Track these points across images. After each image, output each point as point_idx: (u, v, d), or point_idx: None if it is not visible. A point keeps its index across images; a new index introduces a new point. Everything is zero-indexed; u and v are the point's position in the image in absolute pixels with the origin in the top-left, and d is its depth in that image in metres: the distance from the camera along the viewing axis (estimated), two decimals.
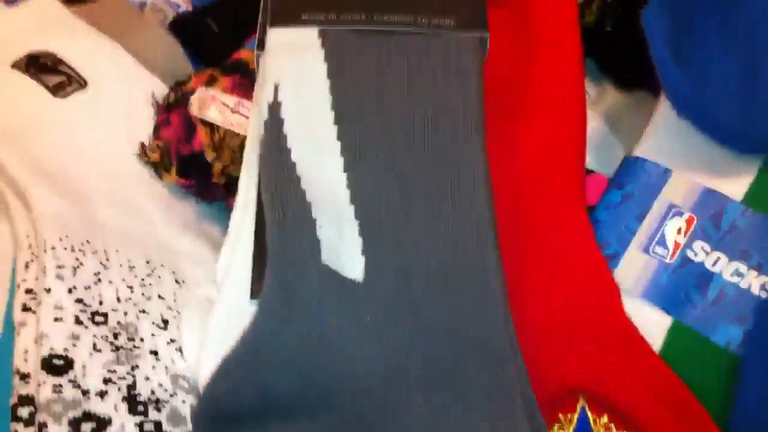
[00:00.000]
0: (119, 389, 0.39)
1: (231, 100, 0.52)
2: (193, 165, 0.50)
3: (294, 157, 0.43)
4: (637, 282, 0.44)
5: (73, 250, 0.43)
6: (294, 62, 0.46)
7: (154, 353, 0.42)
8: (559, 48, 0.51)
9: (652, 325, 0.43)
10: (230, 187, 0.50)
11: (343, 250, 0.41)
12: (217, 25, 0.65)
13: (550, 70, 0.51)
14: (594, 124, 0.54)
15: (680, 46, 0.44)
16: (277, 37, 0.47)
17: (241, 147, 0.49)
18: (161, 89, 0.54)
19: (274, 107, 0.44)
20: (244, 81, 0.52)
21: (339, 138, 0.44)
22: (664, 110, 0.46)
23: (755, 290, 0.43)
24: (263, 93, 0.45)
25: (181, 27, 0.63)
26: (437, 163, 0.44)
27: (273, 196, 0.42)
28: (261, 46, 0.48)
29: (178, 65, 0.58)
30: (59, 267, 0.42)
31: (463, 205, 0.43)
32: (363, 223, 0.42)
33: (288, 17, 0.48)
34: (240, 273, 0.43)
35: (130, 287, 0.44)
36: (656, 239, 0.45)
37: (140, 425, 0.38)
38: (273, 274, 0.40)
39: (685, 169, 0.45)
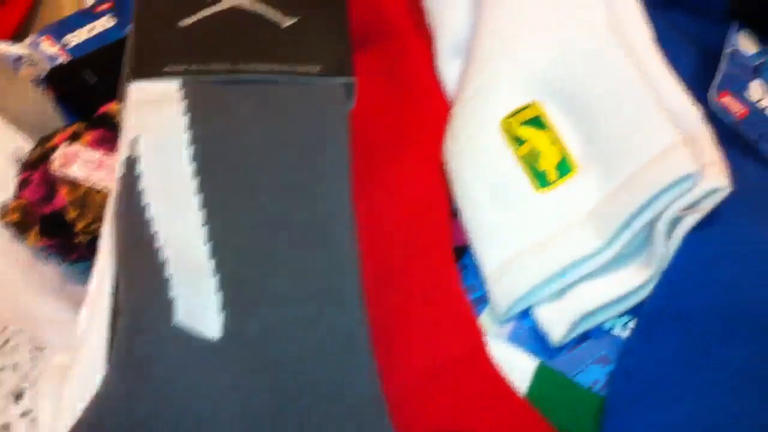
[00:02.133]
0: None
1: (95, 155, 0.50)
2: (55, 224, 0.48)
3: (150, 213, 0.42)
4: (504, 326, 0.44)
5: None
6: (153, 116, 0.45)
7: (5, 428, 0.40)
8: (431, 94, 0.52)
9: (519, 368, 0.43)
10: (95, 246, 0.49)
11: (201, 308, 0.40)
12: (94, 77, 0.64)
13: (422, 117, 0.51)
14: None
15: None
16: (137, 90, 0.46)
17: (106, 204, 0.47)
18: (28, 146, 0.53)
19: (131, 162, 0.43)
20: (110, 135, 0.51)
21: (199, 191, 0.43)
22: None
23: (617, 331, 0.43)
24: (120, 148, 0.44)
25: (56, 80, 0.61)
26: (302, 214, 0.44)
27: (124, 255, 0.41)
28: (123, 99, 0.47)
29: (47, 121, 0.57)
30: None
31: (328, 256, 0.43)
32: (223, 278, 0.41)
33: (149, 70, 0.47)
34: (97, 339, 0.42)
35: None
36: None
37: None
38: (121, 341, 0.39)
39: None
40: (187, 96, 0.46)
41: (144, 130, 0.44)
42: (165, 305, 0.40)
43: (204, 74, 0.47)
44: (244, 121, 0.45)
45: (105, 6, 0.64)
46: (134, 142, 0.44)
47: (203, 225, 0.42)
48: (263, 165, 0.44)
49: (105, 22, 0.63)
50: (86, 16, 0.64)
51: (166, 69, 0.47)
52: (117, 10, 0.63)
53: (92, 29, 0.63)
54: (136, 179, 0.43)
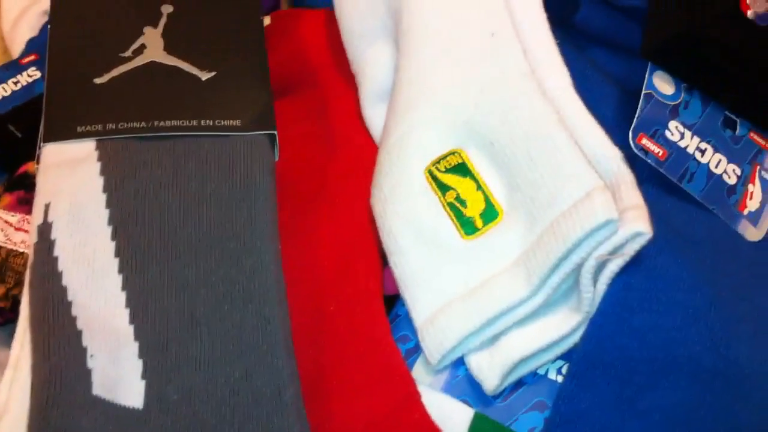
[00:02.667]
0: None
1: (14, 217, 0.49)
2: None
3: (65, 280, 0.41)
4: (438, 375, 0.43)
5: None
6: (68, 178, 0.44)
7: None
8: (357, 141, 0.51)
9: (455, 418, 0.42)
10: (17, 310, 0.47)
11: (120, 377, 0.39)
12: (19, 131, 0.62)
13: (348, 165, 0.50)
14: None
15: None
16: (51, 152, 0.45)
17: (26, 266, 0.46)
18: None
19: (44, 229, 0.42)
20: (30, 196, 0.50)
21: (117, 254, 0.42)
22: None
23: (552, 375, 0.43)
24: (34, 214, 0.43)
25: None
26: (224, 272, 0.43)
27: (39, 325, 0.39)
28: (39, 160, 0.46)
29: None
30: None
31: (253, 314, 0.42)
32: (143, 344, 0.40)
33: (63, 131, 0.46)
34: (19, 408, 0.40)
35: None
36: None
37: None
38: (37, 413, 0.37)
39: None
40: (103, 156, 0.45)
41: (58, 193, 0.43)
42: (82, 375, 0.38)
43: (120, 133, 0.45)
44: (163, 180, 0.44)
45: (31, 57, 0.62)
46: (48, 207, 0.42)
47: (122, 289, 0.41)
48: (183, 224, 0.43)
49: (30, 74, 0.62)
50: (11, 68, 0.62)
51: (81, 129, 0.45)
52: (43, 62, 0.61)
53: (17, 82, 0.62)
54: (50, 246, 0.41)
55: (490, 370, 0.42)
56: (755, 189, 0.45)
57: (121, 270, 0.42)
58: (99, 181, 0.44)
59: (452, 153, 0.45)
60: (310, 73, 0.55)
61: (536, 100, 0.43)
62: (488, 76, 0.45)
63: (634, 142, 0.43)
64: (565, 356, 0.43)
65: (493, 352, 0.42)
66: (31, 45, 0.63)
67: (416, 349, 0.44)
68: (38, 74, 0.61)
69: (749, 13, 0.47)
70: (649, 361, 0.40)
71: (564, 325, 0.41)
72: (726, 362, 0.40)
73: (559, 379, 0.43)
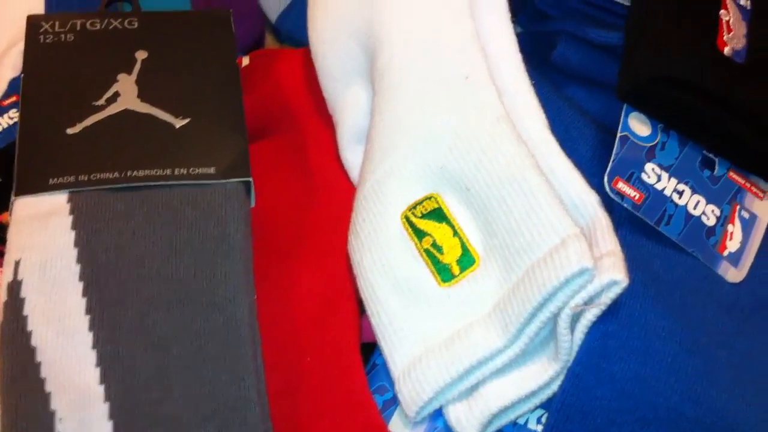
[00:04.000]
0: None
1: None
2: None
3: (35, 340, 0.40)
4: (416, 428, 0.43)
5: None
6: (38, 233, 0.43)
7: None
8: (335, 185, 0.51)
9: None
10: None
11: None
12: (1, 176, 0.61)
13: (325, 210, 0.50)
14: None
15: None
16: (22, 206, 0.44)
17: None
18: None
19: (14, 286, 0.41)
20: (3, 248, 0.49)
21: (87, 312, 0.41)
22: None
23: (532, 425, 0.42)
24: (4, 271, 0.42)
25: None
26: (198, 327, 0.42)
27: (7, 387, 0.39)
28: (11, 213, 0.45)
29: None
30: None
31: (227, 369, 0.41)
32: (114, 405, 0.39)
33: (35, 184, 0.45)
34: None
35: None
36: None
37: None
38: None
39: None
40: (75, 209, 0.44)
41: (29, 249, 0.43)
42: None
43: (93, 185, 0.45)
44: (137, 232, 0.44)
45: (12, 99, 0.62)
46: (18, 264, 0.42)
47: (92, 348, 0.40)
48: (157, 278, 0.43)
49: (12, 116, 0.62)
50: None
51: (53, 182, 0.45)
52: None
53: None
54: (20, 304, 0.41)
55: (469, 421, 0.41)
56: (735, 229, 0.45)
57: (91, 327, 0.41)
58: (70, 236, 0.43)
59: (429, 198, 0.45)
60: (288, 115, 0.54)
61: (511, 144, 0.43)
62: (463, 120, 0.45)
63: (609, 187, 0.43)
64: (545, 405, 0.42)
65: (471, 403, 0.41)
66: (13, 86, 0.63)
67: (394, 401, 0.44)
68: None
69: (726, 50, 0.46)
70: (628, 410, 0.39)
71: (542, 374, 0.40)
72: (706, 411, 0.39)
73: (539, 428, 0.42)
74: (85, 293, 0.42)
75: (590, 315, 0.39)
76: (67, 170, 0.45)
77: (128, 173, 0.46)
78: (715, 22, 0.47)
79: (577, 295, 0.38)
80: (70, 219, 0.44)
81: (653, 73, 0.43)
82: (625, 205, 0.43)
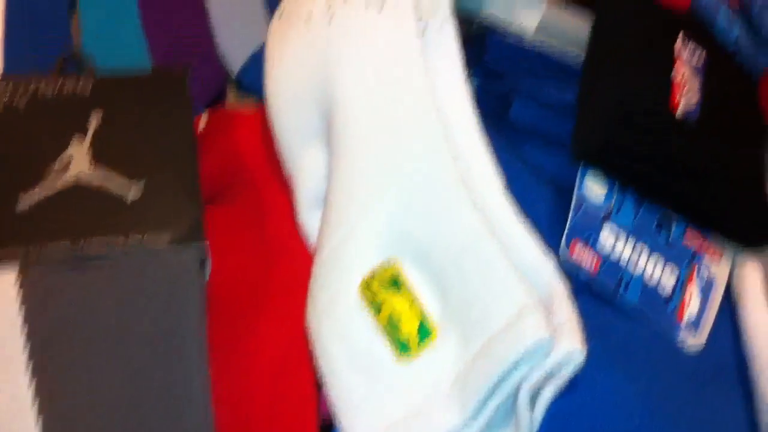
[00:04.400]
0: None
1: None
2: None
3: None
4: None
5: None
6: None
7: None
8: (292, 249, 0.50)
9: None
10: None
11: None
12: None
13: (282, 276, 0.49)
14: None
15: None
16: None
17: None
18: None
19: None
20: None
21: (36, 394, 0.40)
22: None
23: None
24: None
25: None
26: (150, 403, 0.41)
27: None
28: None
29: None
30: None
31: None
32: None
33: None
34: None
35: None
36: None
37: None
38: None
39: None
40: (23, 285, 0.43)
41: None
42: None
43: (44, 257, 0.44)
44: (87, 307, 0.43)
45: None
46: None
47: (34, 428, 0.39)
48: (108, 354, 0.42)
49: None
50: None
51: (2, 255, 0.44)
52: None
53: None
54: None
55: None
56: (693, 291, 0.44)
57: (39, 413, 0.40)
58: (19, 313, 0.42)
59: (386, 265, 0.44)
60: (245, 178, 0.53)
61: (466, 210, 0.42)
62: (420, 184, 0.44)
63: (566, 256, 0.43)
64: None
65: None
66: None
67: None
68: None
69: (679, 111, 0.46)
70: None
71: None
72: None
73: None
74: (33, 374, 0.41)
75: (548, 393, 0.38)
76: (16, 243, 0.44)
77: (79, 245, 0.45)
78: (668, 82, 0.47)
79: (535, 373, 0.38)
80: (20, 293, 0.43)
81: (605, 140, 0.43)
82: (582, 275, 0.43)
